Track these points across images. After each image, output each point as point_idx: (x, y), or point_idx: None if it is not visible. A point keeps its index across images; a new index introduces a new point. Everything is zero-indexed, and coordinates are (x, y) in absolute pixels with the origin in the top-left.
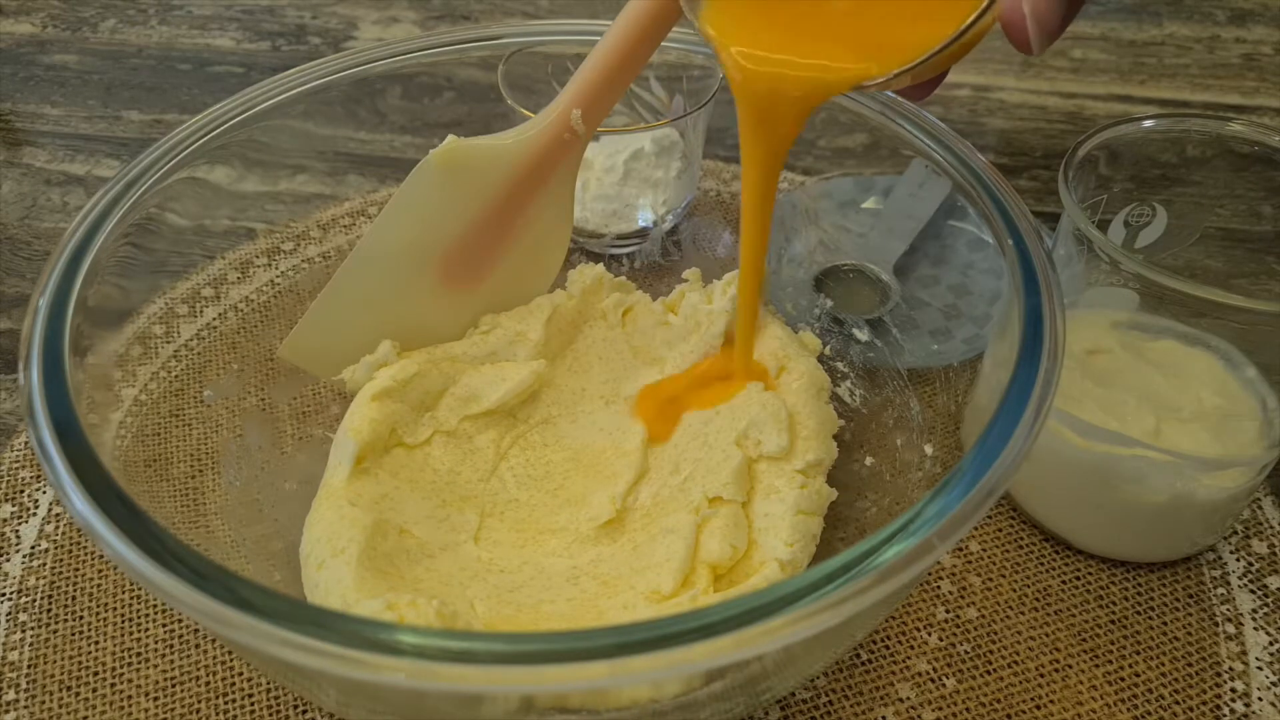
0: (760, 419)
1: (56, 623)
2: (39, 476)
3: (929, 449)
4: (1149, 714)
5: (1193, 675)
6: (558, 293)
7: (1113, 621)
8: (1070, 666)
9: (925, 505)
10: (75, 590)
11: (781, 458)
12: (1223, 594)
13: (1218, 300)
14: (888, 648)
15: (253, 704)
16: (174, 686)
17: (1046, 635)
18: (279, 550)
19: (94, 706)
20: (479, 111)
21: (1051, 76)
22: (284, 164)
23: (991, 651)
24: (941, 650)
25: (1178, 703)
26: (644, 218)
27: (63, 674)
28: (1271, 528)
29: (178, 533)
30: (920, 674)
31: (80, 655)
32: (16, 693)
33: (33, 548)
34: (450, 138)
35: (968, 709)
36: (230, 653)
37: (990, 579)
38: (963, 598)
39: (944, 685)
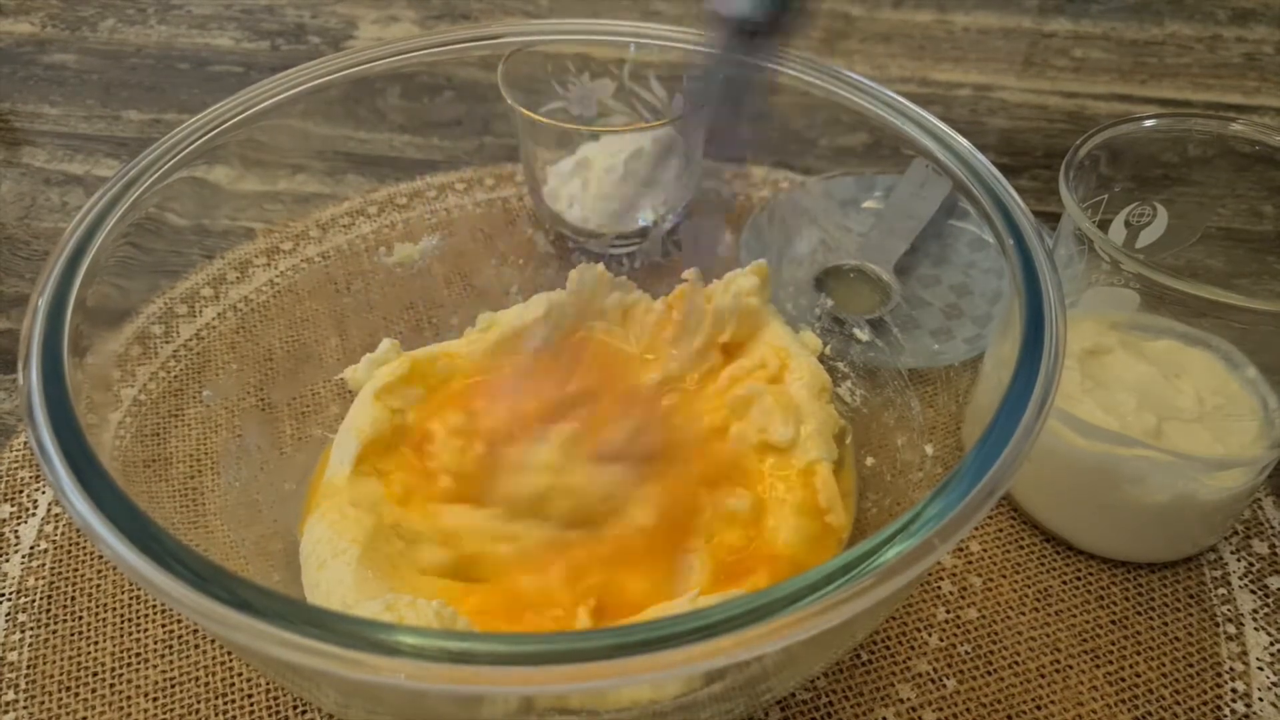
0: (768, 408)
1: (56, 623)
2: (38, 476)
3: (930, 449)
4: (1150, 714)
5: (1193, 675)
6: (557, 291)
7: (1113, 622)
8: (1071, 667)
9: (926, 505)
10: (74, 591)
11: (786, 450)
12: (1223, 594)
13: (1219, 300)
14: (888, 648)
15: (252, 704)
16: (173, 687)
17: (1047, 636)
18: (278, 551)
19: (93, 707)
20: (479, 111)
21: (1053, 76)
22: (283, 163)
23: (992, 652)
24: (942, 651)
25: (1178, 703)
26: (644, 218)
27: (62, 674)
28: (1272, 528)
29: (177, 533)
30: (921, 674)
31: (79, 656)
32: (16, 693)
33: (32, 548)
34: None
35: (968, 710)
36: (230, 653)
37: (991, 579)
38: (963, 598)
39: (944, 686)
